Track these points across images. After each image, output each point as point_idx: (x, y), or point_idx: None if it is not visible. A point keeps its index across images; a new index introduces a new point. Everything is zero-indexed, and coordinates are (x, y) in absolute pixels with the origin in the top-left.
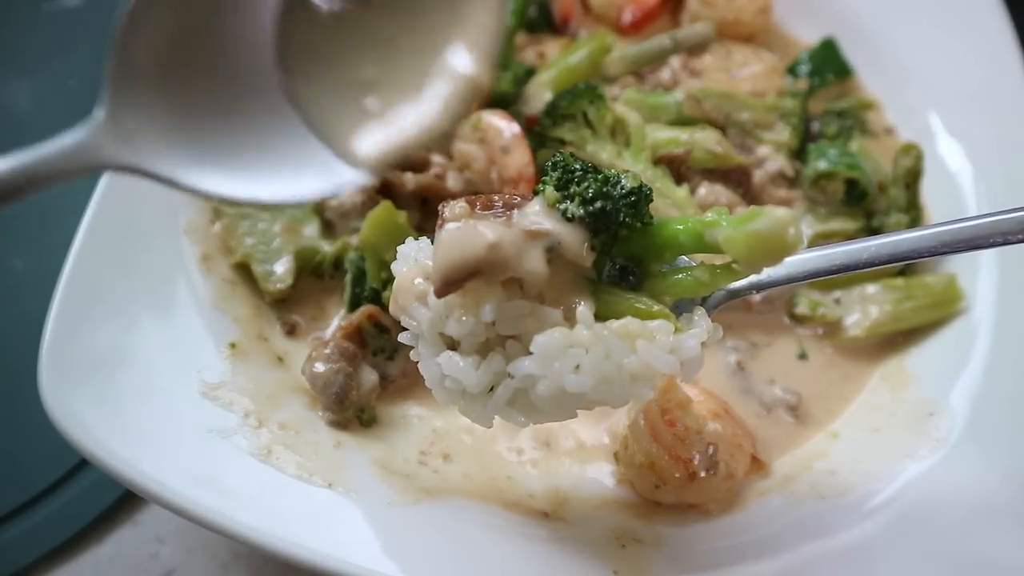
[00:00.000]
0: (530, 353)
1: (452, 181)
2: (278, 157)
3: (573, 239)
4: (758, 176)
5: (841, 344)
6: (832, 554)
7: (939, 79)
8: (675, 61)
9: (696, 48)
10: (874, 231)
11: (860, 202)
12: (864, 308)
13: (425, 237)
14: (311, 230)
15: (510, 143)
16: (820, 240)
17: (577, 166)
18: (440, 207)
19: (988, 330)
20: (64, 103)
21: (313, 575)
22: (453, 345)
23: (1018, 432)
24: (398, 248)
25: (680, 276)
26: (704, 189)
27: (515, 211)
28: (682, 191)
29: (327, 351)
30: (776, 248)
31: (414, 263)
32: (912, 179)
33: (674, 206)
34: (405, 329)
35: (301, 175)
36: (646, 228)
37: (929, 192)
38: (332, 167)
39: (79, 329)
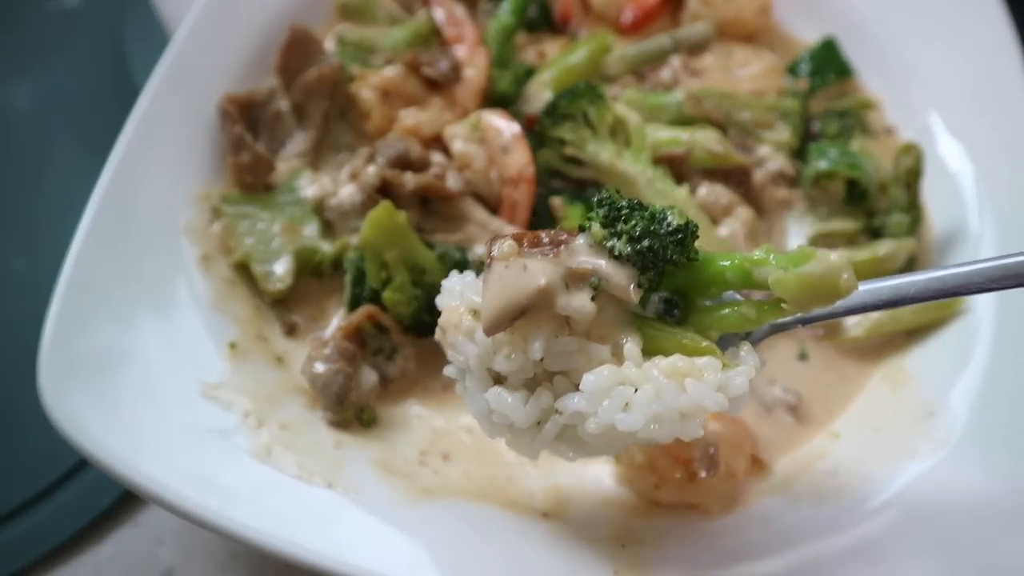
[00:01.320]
0: (578, 389)
1: (452, 181)
2: None
3: (621, 277)
4: (758, 176)
5: (842, 344)
6: (832, 554)
7: (940, 79)
8: (675, 61)
9: (696, 48)
10: (875, 231)
11: (861, 202)
12: None
13: (470, 272)
14: (311, 230)
15: (510, 143)
16: (821, 240)
17: (623, 203)
18: (488, 244)
19: (988, 330)
20: (64, 103)
21: (312, 575)
22: (499, 379)
23: (1019, 432)
24: (443, 282)
25: (726, 311)
26: (704, 189)
27: (562, 248)
28: (682, 191)
29: (327, 351)
30: (828, 292)
31: (460, 297)
32: (913, 179)
33: (674, 204)
34: (404, 329)
35: None
36: (691, 264)
37: (930, 192)
38: None
39: (79, 329)
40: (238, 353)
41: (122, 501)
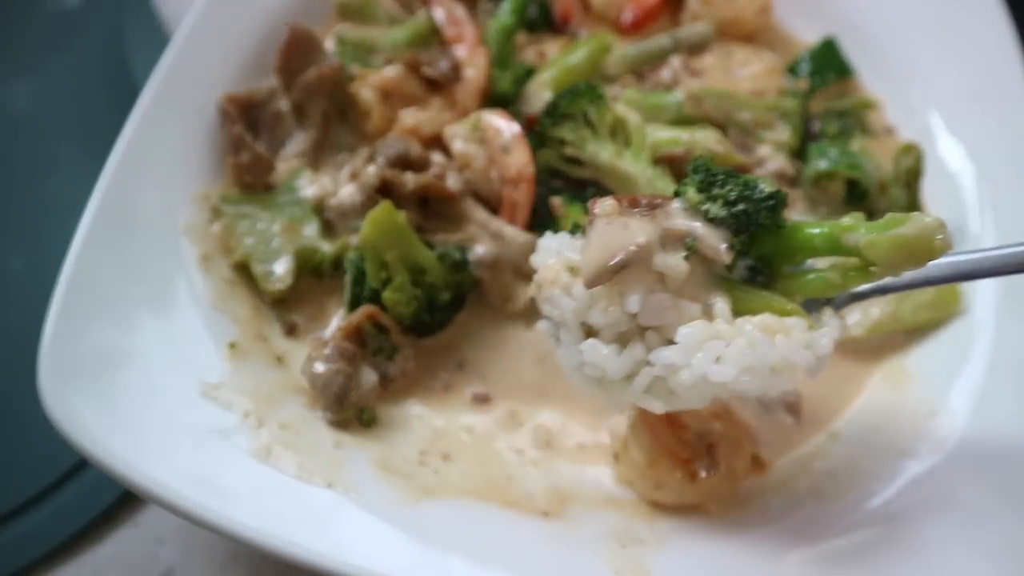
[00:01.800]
0: (671, 343)
1: (452, 181)
2: None
3: (715, 239)
4: (759, 175)
5: (842, 344)
6: (832, 554)
7: (940, 79)
8: (675, 61)
9: (696, 48)
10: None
11: (861, 202)
12: (864, 308)
13: (565, 232)
14: (311, 230)
15: (510, 143)
16: None
17: (719, 170)
18: (590, 204)
19: (989, 330)
20: (64, 103)
21: (312, 575)
22: (592, 333)
23: (1019, 433)
24: (539, 241)
25: (812, 276)
26: None
27: (658, 210)
28: None
29: (326, 351)
30: (922, 253)
31: (556, 255)
32: (913, 179)
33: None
34: (404, 329)
35: None
36: (780, 231)
37: (930, 192)
38: None
39: (79, 329)
40: (238, 353)
41: (122, 501)
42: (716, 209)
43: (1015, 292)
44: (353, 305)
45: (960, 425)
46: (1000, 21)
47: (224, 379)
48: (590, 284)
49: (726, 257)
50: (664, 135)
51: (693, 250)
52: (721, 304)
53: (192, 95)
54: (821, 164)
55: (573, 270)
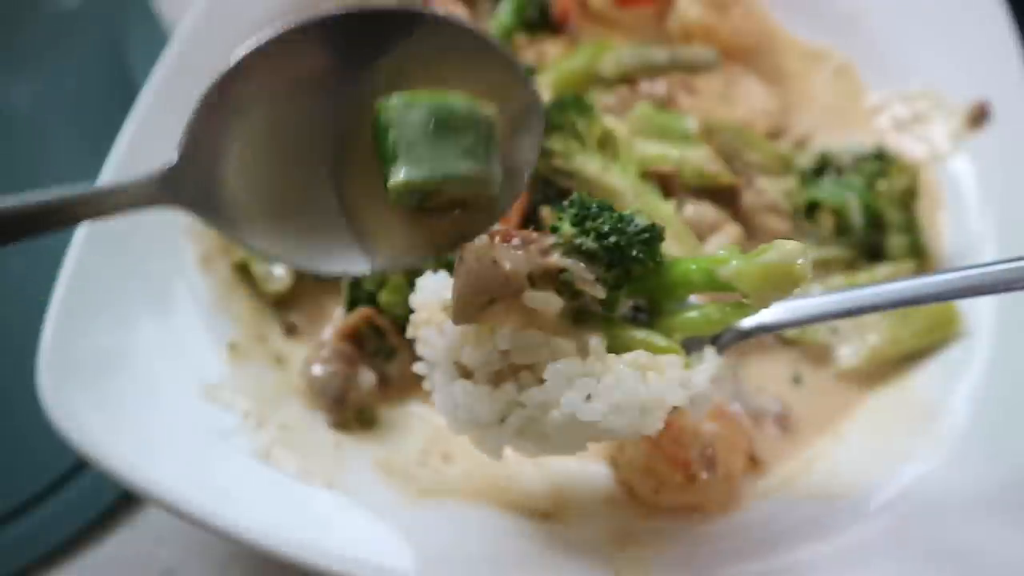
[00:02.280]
0: (543, 382)
1: None
2: (312, 234)
3: (587, 272)
4: (749, 197)
5: (841, 374)
6: (833, 555)
7: (940, 79)
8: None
9: (695, 70)
10: (875, 254)
11: (847, 235)
12: (862, 336)
13: (444, 272)
14: None
15: None
16: (817, 266)
17: (593, 204)
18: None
19: (989, 332)
20: (64, 103)
21: (312, 575)
22: (467, 375)
23: (1020, 434)
24: (417, 280)
25: (691, 314)
26: (691, 207)
27: (532, 245)
28: (668, 208)
29: (324, 353)
30: (785, 280)
31: (432, 295)
32: (909, 198)
33: (659, 222)
34: (401, 330)
35: (324, 254)
36: (658, 267)
37: (930, 191)
38: (351, 256)
39: (78, 330)
40: (238, 354)
41: (122, 501)
42: (589, 242)
43: (1014, 293)
44: (351, 307)
45: (960, 427)
46: (1000, 21)
47: (224, 380)
48: (457, 320)
49: (600, 292)
50: (653, 150)
51: (569, 286)
52: (595, 342)
53: (192, 95)
54: (808, 194)
55: (448, 310)
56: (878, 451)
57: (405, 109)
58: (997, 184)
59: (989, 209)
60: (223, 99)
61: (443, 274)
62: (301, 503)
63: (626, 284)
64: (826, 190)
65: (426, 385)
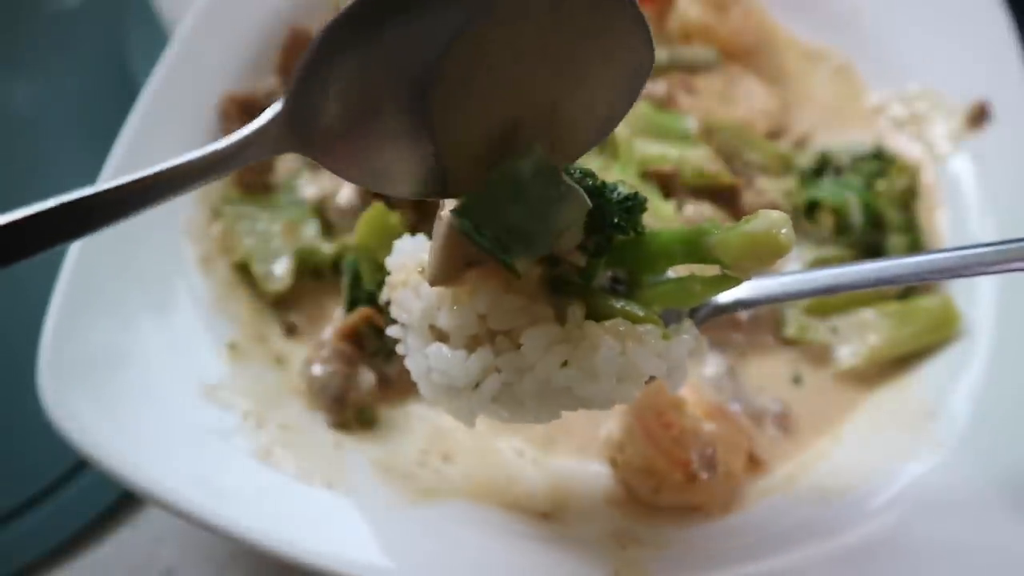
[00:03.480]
0: (519, 348)
1: None
2: (397, 163)
3: (568, 239)
4: (749, 197)
5: (839, 373)
6: (833, 555)
7: (939, 79)
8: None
9: (695, 70)
10: (873, 253)
11: (847, 235)
12: (862, 336)
13: (422, 234)
14: (311, 230)
15: None
16: (818, 265)
17: (576, 171)
18: (441, 202)
19: (989, 331)
20: (64, 103)
21: (312, 575)
22: (443, 339)
23: (1019, 433)
24: (395, 242)
25: (670, 286)
26: (691, 207)
27: None
28: (668, 207)
29: (324, 353)
30: (768, 249)
31: (408, 257)
32: (908, 198)
33: (659, 222)
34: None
35: (407, 178)
36: (639, 238)
37: (930, 191)
38: (432, 181)
39: (78, 329)
40: (238, 354)
41: (122, 501)
42: None
43: (1015, 293)
44: (351, 307)
45: (960, 426)
46: (1000, 21)
47: (224, 380)
48: (434, 282)
49: (580, 260)
50: (653, 150)
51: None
52: (573, 309)
53: (192, 95)
54: (808, 194)
55: (425, 271)
56: (878, 451)
57: (483, 211)
58: (997, 184)
59: (989, 209)
60: (334, 39)
61: (421, 237)
62: (301, 503)
63: (606, 252)
64: (826, 190)
65: (400, 349)
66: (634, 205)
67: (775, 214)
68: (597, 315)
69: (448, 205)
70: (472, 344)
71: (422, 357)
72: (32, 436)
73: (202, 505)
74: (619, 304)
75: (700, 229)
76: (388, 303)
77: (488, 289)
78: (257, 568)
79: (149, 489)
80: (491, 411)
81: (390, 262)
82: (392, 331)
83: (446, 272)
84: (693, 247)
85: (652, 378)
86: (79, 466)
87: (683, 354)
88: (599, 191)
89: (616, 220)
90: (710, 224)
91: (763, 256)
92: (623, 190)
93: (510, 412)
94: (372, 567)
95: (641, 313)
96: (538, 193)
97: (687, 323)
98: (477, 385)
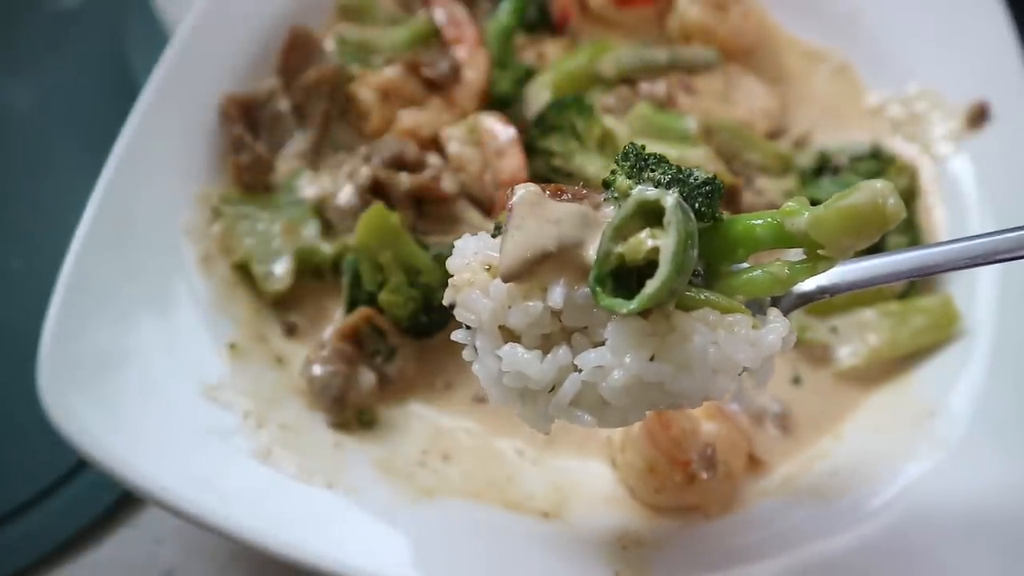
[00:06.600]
0: (600, 344)
1: (447, 182)
2: None
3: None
4: (749, 197)
5: (841, 374)
6: (833, 555)
7: (939, 79)
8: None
9: (695, 70)
10: (874, 252)
11: None
12: (862, 336)
13: (484, 232)
14: (311, 230)
15: (504, 147)
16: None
17: (651, 154)
18: (507, 191)
19: (989, 330)
20: (64, 103)
21: (312, 575)
22: (514, 340)
23: (1019, 434)
24: (455, 242)
25: (755, 273)
26: None
27: (586, 200)
28: None
29: (324, 354)
30: (874, 221)
31: (473, 256)
32: (908, 198)
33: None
34: (402, 330)
35: None
36: (717, 224)
37: (930, 191)
38: None
39: (78, 329)
40: (238, 354)
41: (122, 501)
42: None
43: (1015, 293)
44: (351, 307)
45: (960, 426)
46: (1000, 21)
47: (224, 380)
48: (508, 277)
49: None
50: (653, 151)
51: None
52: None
53: (192, 95)
54: (807, 194)
55: (492, 269)
56: (878, 451)
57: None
58: (997, 184)
59: (989, 209)
60: None
61: (483, 234)
62: (301, 503)
63: None
64: (826, 190)
65: (467, 355)
66: (713, 189)
67: (878, 183)
68: (679, 306)
69: (517, 198)
70: (545, 345)
71: (493, 360)
72: (32, 436)
73: (202, 505)
74: (703, 294)
75: (786, 211)
76: (452, 305)
77: (561, 282)
78: (257, 568)
79: (149, 489)
80: (570, 414)
81: (451, 264)
82: (456, 336)
83: (522, 267)
84: (778, 230)
85: (744, 370)
86: (79, 466)
87: (776, 343)
88: (678, 174)
89: (697, 206)
90: (796, 203)
91: (867, 231)
92: (700, 174)
93: (592, 415)
94: (372, 567)
95: (727, 303)
96: None
97: (774, 312)
98: (553, 388)
